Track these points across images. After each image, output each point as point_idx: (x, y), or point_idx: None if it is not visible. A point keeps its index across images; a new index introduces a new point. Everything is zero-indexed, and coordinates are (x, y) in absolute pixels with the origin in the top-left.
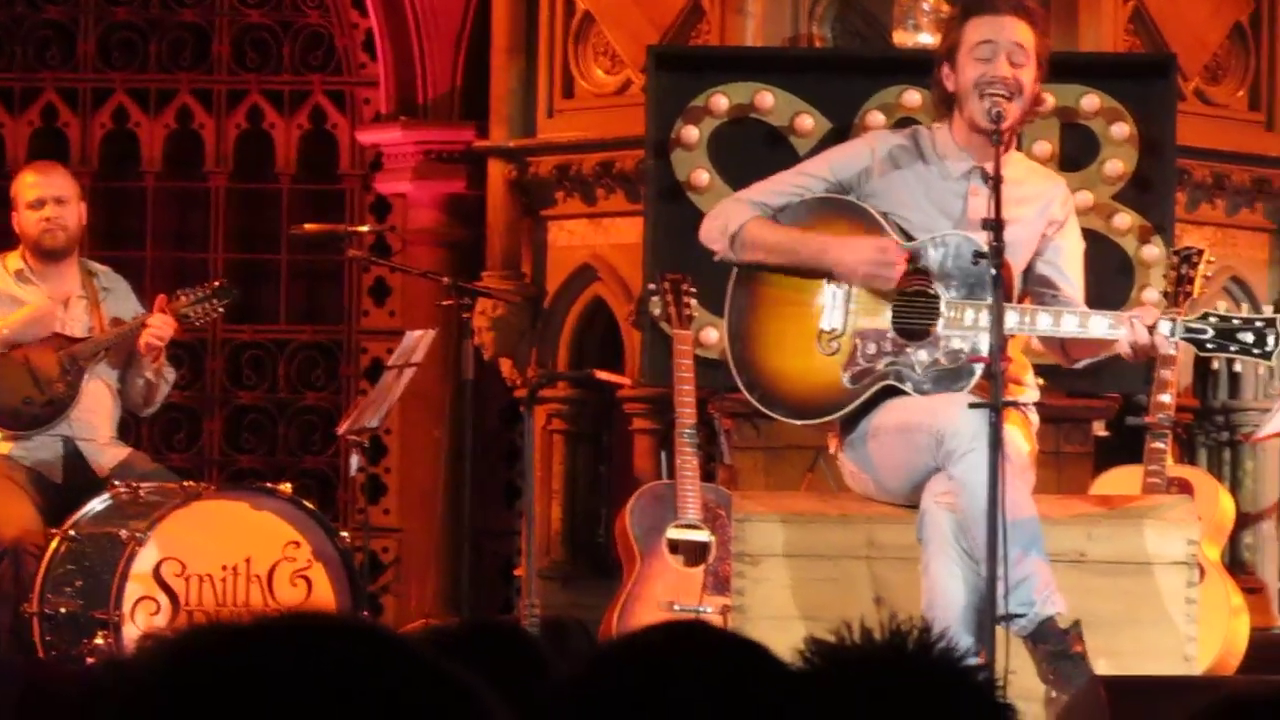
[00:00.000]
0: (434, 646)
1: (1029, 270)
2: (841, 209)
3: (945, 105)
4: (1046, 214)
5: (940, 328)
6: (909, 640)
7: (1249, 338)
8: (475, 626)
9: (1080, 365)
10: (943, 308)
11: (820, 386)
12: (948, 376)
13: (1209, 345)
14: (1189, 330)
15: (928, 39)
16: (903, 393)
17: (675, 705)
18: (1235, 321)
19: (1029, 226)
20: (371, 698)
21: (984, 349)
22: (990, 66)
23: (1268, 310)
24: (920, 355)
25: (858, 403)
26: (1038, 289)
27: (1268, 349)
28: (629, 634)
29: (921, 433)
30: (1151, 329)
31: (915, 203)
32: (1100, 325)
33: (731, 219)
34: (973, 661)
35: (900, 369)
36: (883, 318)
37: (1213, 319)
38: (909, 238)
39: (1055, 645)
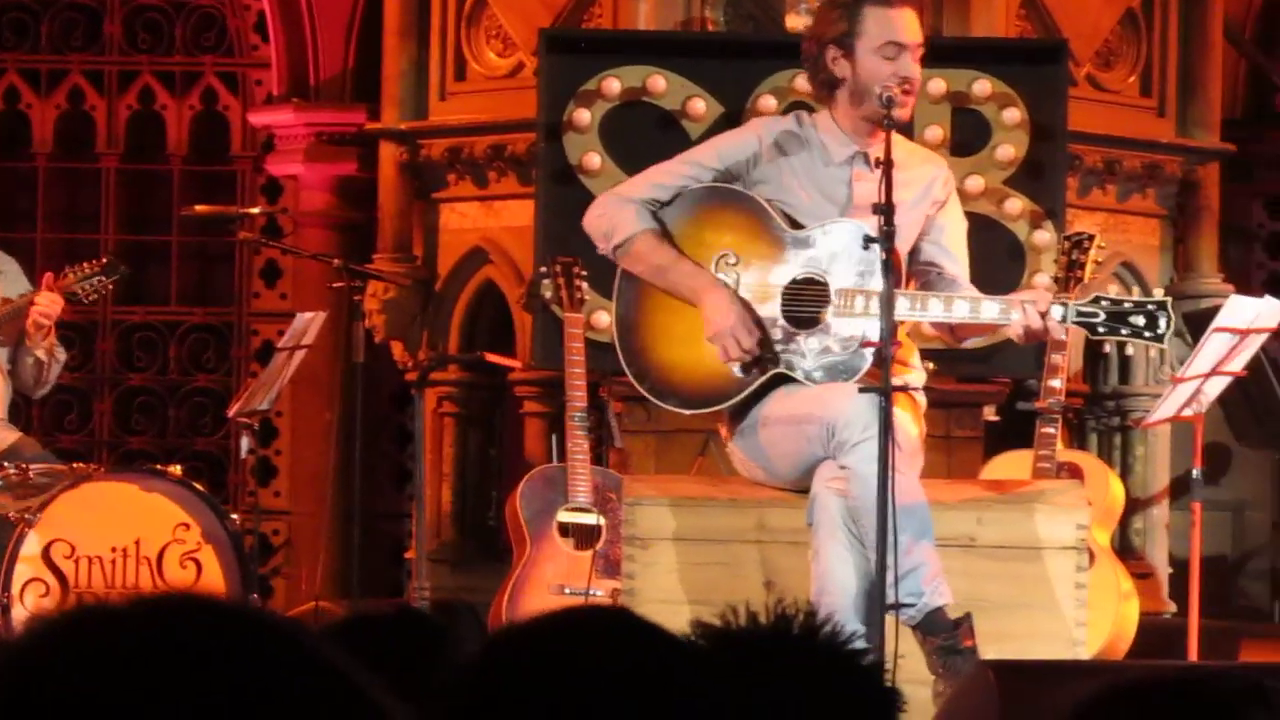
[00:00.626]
0: (348, 632)
1: (914, 251)
2: (728, 198)
3: (829, 89)
4: (929, 195)
5: (830, 315)
6: (795, 624)
7: (1140, 321)
8: (394, 613)
9: (968, 344)
10: (832, 295)
11: (711, 376)
12: (839, 365)
13: (1101, 329)
14: (1080, 314)
15: None
16: (793, 380)
17: (584, 692)
18: (1127, 305)
19: (913, 208)
20: (250, 681)
21: (874, 334)
22: (897, 65)
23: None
24: (811, 343)
25: (748, 391)
26: (923, 268)
27: (1159, 332)
28: (532, 618)
29: (812, 423)
30: (1044, 314)
31: (801, 189)
32: (991, 310)
33: (618, 227)
34: (859, 645)
35: (791, 358)
36: (772, 306)
37: (1104, 302)
38: (796, 225)
39: (945, 639)
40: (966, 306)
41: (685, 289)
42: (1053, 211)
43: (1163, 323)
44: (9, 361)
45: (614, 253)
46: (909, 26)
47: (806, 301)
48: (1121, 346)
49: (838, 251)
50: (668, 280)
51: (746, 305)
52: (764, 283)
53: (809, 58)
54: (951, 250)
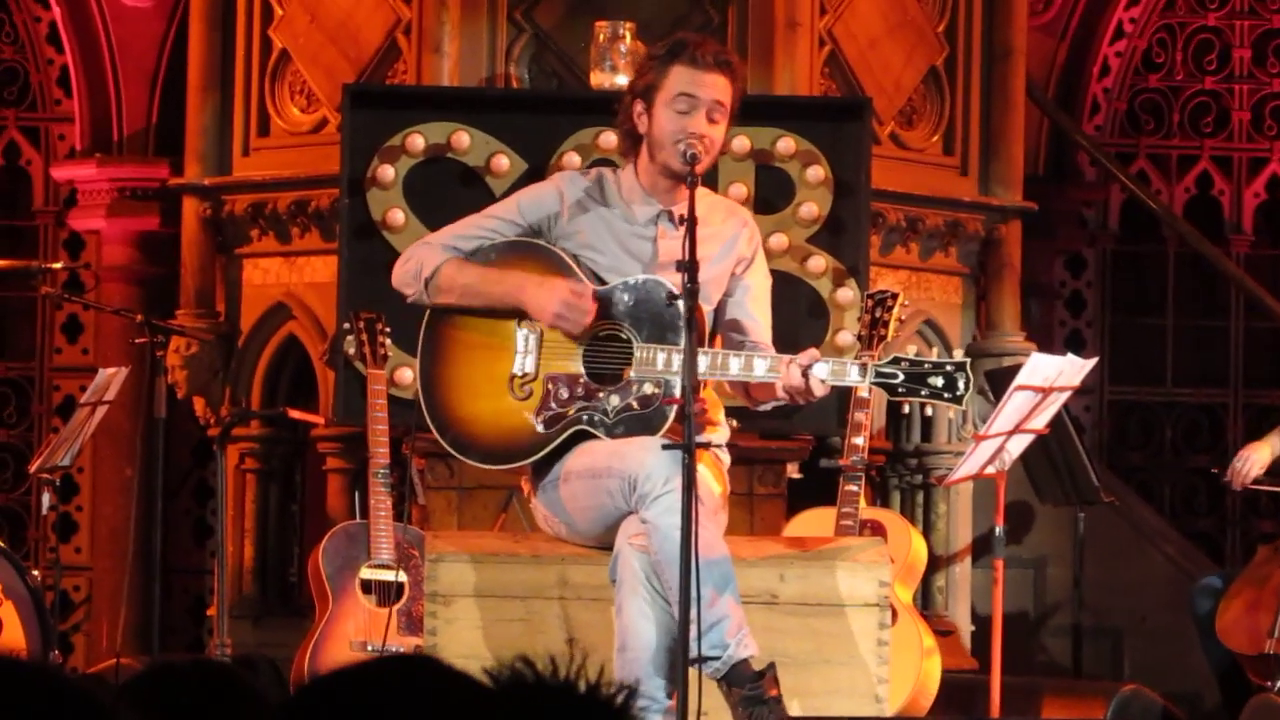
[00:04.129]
0: (148, 684)
1: (719, 310)
2: (532, 252)
3: (633, 142)
4: (734, 251)
5: (632, 372)
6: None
7: (939, 382)
8: (194, 665)
9: (765, 408)
10: (635, 352)
11: (512, 431)
12: (639, 422)
13: (900, 390)
14: (880, 375)
15: (624, 80)
16: (595, 437)
17: None
18: (926, 365)
19: (718, 264)
20: None
21: (677, 391)
22: (688, 120)
23: (959, 354)
24: (612, 400)
25: (550, 448)
26: (728, 332)
27: (958, 393)
28: (336, 669)
29: (613, 478)
30: (806, 371)
31: (604, 246)
32: (761, 368)
33: (425, 263)
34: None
35: (592, 414)
36: (574, 362)
37: (904, 363)
38: (600, 281)
39: (750, 690)
40: (765, 365)
41: (500, 294)
42: (855, 269)
43: (961, 384)
44: None
45: (425, 288)
46: (710, 85)
47: (609, 357)
48: (922, 406)
49: (640, 308)
50: (483, 294)
51: (568, 275)
52: (567, 338)
53: (622, 109)
54: (755, 313)
